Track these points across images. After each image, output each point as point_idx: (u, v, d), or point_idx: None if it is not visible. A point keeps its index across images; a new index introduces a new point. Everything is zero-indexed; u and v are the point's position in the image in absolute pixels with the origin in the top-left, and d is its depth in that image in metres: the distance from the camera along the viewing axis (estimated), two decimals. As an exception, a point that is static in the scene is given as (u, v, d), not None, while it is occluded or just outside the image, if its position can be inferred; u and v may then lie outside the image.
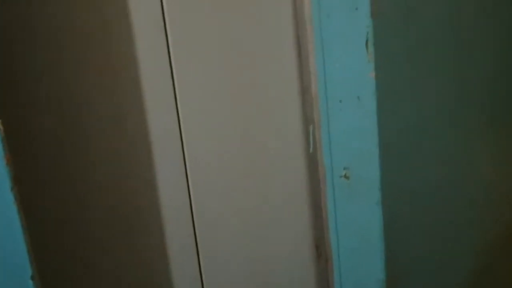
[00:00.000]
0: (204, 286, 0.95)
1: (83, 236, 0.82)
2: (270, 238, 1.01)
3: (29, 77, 0.75)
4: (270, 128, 0.97)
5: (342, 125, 0.98)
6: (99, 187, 0.82)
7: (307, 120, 0.99)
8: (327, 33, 0.93)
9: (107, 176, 0.83)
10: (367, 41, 0.90)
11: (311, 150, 1.00)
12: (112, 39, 0.79)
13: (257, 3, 0.90)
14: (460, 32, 1.00)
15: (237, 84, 0.92)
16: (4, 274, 0.61)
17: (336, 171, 1.01)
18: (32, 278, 0.60)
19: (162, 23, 0.82)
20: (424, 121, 1.00)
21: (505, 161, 1.16)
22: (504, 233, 1.16)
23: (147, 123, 0.85)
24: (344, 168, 1.00)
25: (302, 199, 1.02)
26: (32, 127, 0.75)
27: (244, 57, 0.92)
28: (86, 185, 0.81)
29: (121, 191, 0.84)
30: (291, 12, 0.93)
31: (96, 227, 0.83)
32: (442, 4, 0.96)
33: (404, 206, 1.03)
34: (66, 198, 0.80)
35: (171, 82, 0.86)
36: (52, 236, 0.79)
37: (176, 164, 0.88)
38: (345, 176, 1.01)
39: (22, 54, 0.74)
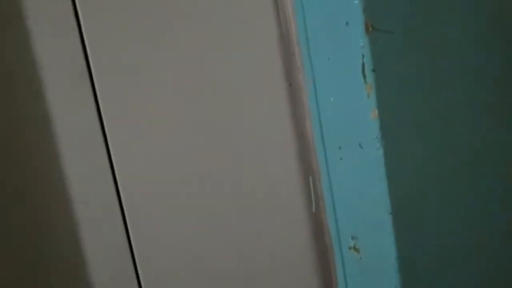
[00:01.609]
0: None
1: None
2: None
3: None
4: (263, 185, 0.77)
5: (344, 179, 0.73)
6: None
7: (306, 170, 0.77)
8: (316, 59, 0.71)
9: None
10: (363, 66, 0.65)
11: (313, 208, 0.77)
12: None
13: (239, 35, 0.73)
14: (490, 50, 0.68)
15: (218, 130, 0.75)
16: None
17: (343, 241, 0.76)
18: None
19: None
20: (451, 173, 0.69)
21: None
22: None
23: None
24: (352, 238, 0.75)
25: (309, 274, 0.79)
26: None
27: (225, 97, 0.75)
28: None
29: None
30: (276, 38, 0.74)
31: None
32: (463, 14, 0.66)
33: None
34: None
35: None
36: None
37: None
38: (354, 249, 0.75)
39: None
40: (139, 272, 0.73)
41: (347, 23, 0.67)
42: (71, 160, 0.69)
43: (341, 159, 0.73)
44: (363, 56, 0.67)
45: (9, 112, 0.67)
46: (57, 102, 0.68)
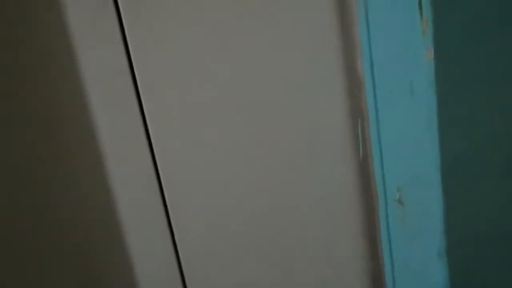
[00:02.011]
0: None
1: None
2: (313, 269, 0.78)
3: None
4: (308, 123, 0.72)
5: (393, 126, 0.67)
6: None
7: (355, 112, 0.71)
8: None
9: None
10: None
11: (361, 154, 0.72)
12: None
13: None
14: None
15: (259, 63, 0.70)
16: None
17: (388, 192, 0.71)
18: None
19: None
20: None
21: None
22: None
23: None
24: (398, 190, 0.69)
25: (352, 220, 0.75)
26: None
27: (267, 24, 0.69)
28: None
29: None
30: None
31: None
32: None
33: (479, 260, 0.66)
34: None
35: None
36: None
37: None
38: (399, 201, 0.69)
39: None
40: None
41: None
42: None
43: (391, 103, 0.65)
44: (420, -15, 0.57)
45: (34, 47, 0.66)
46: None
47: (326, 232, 0.76)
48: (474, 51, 0.59)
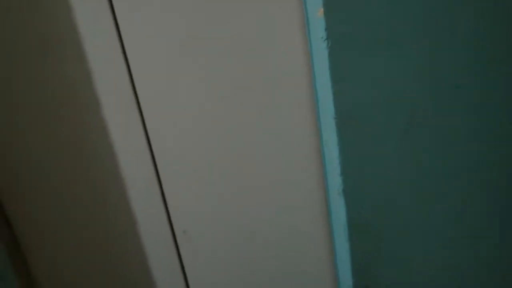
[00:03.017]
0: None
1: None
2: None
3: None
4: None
5: (317, 74, 0.79)
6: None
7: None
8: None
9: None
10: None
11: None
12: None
13: None
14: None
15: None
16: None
17: (323, 134, 0.83)
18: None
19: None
20: (400, 83, 0.65)
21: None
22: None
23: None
24: (323, 132, 0.81)
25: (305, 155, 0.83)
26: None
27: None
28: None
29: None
30: None
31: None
32: None
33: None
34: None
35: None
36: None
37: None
38: (326, 143, 0.82)
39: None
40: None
41: None
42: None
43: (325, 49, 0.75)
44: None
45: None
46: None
47: (283, 157, 0.83)
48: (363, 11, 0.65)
